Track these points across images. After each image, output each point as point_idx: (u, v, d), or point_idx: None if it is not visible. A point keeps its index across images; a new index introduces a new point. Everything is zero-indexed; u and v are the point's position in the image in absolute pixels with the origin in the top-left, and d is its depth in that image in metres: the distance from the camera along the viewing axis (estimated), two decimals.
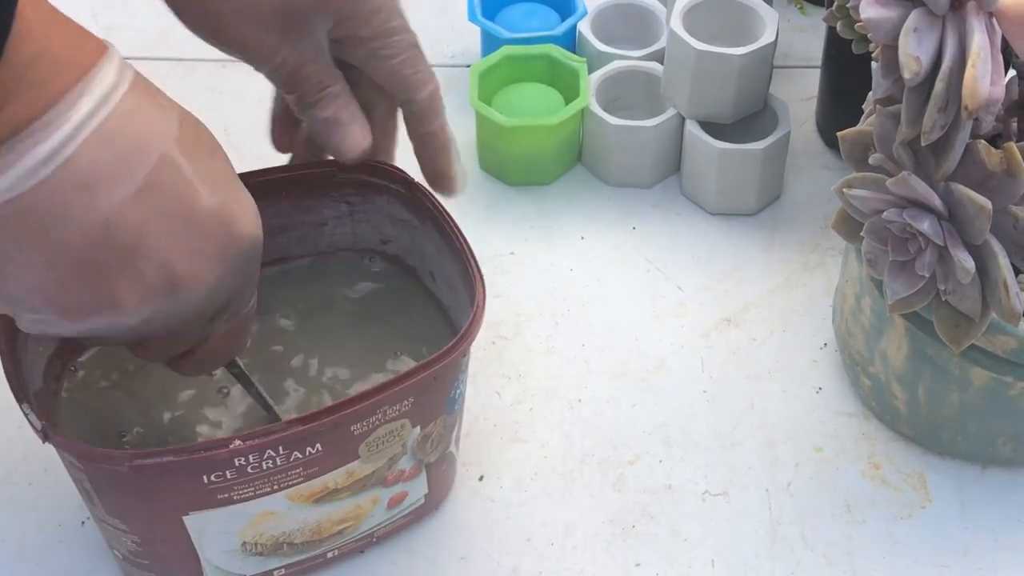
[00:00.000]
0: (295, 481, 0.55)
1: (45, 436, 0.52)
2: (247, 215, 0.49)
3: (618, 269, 0.75)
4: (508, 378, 0.70)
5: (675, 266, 0.75)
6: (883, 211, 0.56)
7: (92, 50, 0.45)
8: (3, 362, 0.55)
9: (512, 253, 0.76)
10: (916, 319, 0.61)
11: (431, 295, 0.65)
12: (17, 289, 0.46)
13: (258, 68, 0.58)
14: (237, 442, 0.51)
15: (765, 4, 0.76)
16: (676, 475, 0.66)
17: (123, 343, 0.51)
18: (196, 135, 0.48)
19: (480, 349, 0.71)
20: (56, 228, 0.44)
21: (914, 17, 0.51)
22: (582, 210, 0.78)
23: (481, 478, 0.66)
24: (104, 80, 0.44)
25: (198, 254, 0.47)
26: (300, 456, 0.54)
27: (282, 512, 0.56)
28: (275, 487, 0.54)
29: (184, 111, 0.48)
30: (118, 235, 0.45)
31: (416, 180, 0.62)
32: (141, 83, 0.47)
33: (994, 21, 0.51)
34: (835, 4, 0.68)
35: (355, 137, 0.59)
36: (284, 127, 0.63)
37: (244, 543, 0.57)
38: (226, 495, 0.54)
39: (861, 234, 0.58)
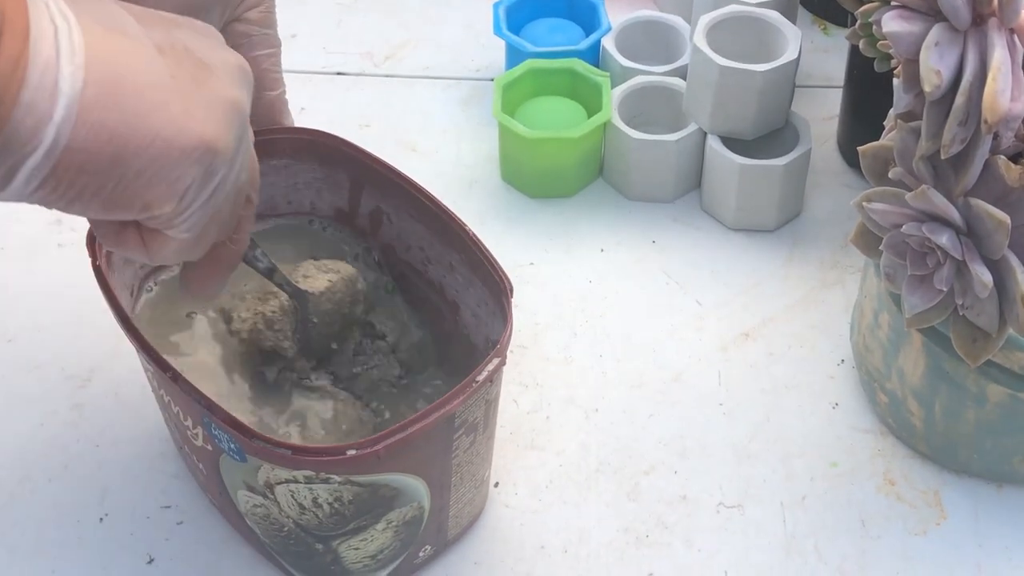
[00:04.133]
0: None
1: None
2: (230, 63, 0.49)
3: (637, 282, 0.76)
4: (525, 386, 0.70)
5: (694, 280, 0.76)
6: (902, 225, 0.56)
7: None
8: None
9: (532, 264, 0.76)
10: (933, 334, 0.61)
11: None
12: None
13: None
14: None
15: (788, 22, 0.76)
16: (691, 486, 0.67)
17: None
18: (163, 30, 0.47)
19: None
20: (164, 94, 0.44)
21: (936, 32, 0.51)
22: (603, 223, 0.79)
23: (496, 484, 0.66)
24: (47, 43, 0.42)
25: (226, 76, 0.48)
26: None
27: None
28: None
29: (132, 12, 0.47)
30: (184, 60, 0.46)
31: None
32: (85, 17, 0.44)
33: (1015, 37, 0.52)
34: (858, 22, 0.69)
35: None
36: None
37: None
38: None
39: (880, 248, 0.59)
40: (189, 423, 0.57)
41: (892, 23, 0.52)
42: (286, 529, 0.59)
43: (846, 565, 0.64)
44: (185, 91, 0.45)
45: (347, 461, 0.53)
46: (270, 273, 0.61)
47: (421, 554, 0.62)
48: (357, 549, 0.59)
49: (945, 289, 0.56)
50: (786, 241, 0.78)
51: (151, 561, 0.64)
